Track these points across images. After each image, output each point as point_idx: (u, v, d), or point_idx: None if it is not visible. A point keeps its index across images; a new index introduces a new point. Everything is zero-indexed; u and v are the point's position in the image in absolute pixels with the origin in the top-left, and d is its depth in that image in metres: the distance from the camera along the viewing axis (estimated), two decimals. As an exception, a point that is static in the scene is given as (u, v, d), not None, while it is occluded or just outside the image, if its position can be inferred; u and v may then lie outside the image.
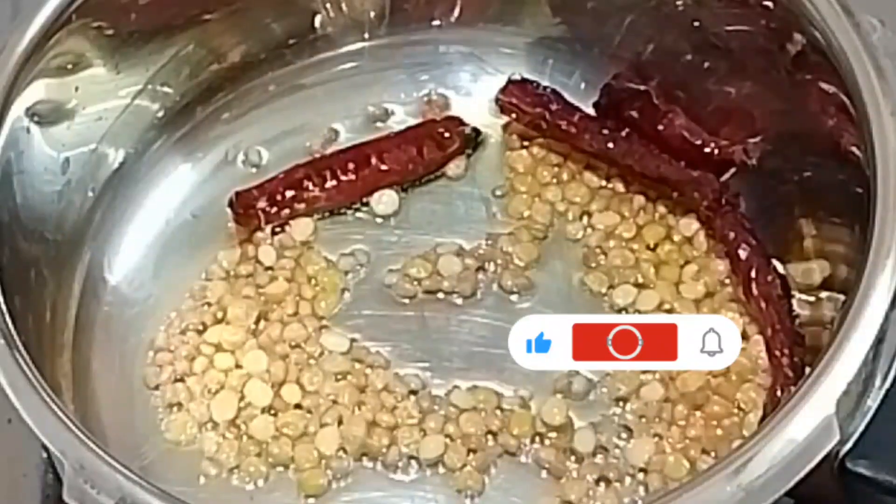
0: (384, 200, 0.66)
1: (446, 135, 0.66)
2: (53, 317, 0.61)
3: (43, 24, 0.58)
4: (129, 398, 0.61)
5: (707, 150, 0.63)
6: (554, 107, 0.65)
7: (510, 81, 0.66)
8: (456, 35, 0.69)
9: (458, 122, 0.67)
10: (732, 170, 0.63)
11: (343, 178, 0.65)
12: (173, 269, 0.65)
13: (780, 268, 0.61)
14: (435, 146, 0.66)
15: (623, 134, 0.64)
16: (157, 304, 0.64)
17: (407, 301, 0.63)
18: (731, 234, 0.62)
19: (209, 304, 0.63)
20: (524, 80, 0.66)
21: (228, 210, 0.65)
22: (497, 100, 0.66)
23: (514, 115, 0.66)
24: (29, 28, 0.58)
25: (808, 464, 0.47)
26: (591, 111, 0.66)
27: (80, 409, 0.59)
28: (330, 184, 0.65)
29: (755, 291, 0.60)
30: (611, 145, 0.64)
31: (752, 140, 0.63)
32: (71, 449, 0.49)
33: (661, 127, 0.64)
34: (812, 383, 0.48)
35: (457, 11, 0.69)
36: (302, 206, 0.65)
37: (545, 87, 0.66)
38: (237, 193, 0.65)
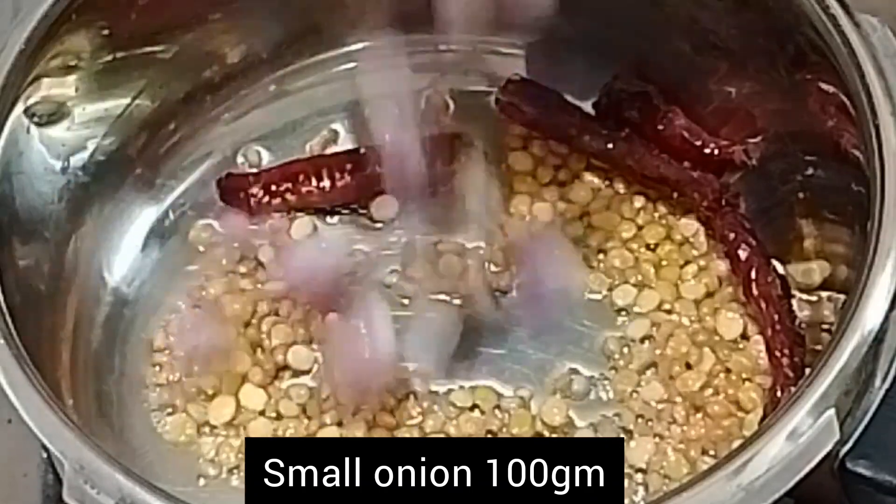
0: (383, 206, 0.65)
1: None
2: (53, 317, 0.61)
3: (43, 24, 0.58)
4: (129, 398, 0.61)
5: (707, 150, 0.63)
6: (554, 107, 0.65)
7: (510, 81, 0.66)
8: (456, 35, 0.69)
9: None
10: (732, 170, 0.63)
11: (339, 179, 0.65)
12: (173, 269, 0.65)
13: (780, 268, 0.61)
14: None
15: (623, 134, 0.64)
16: (157, 304, 0.64)
17: (407, 301, 0.63)
18: (731, 234, 0.62)
19: (208, 304, 0.63)
20: (524, 80, 0.66)
21: (215, 186, 0.65)
22: (497, 100, 0.66)
23: (514, 115, 0.66)
24: (29, 28, 0.58)
25: (808, 464, 0.47)
26: (591, 111, 0.66)
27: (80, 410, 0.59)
28: (325, 183, 0.65)
29: (755, 291, 0.60)
30: (611, 146, 0.64)
31: (752, 140, 0.63)
32: (71, 449, 0.49)
33: (661, 127, 0.64)
34: (812, 383, 0.48)
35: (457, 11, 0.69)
36: (294, 198, 0.65)
37: (545, 88, 0.66)
38: (229, 174, 0.65)
